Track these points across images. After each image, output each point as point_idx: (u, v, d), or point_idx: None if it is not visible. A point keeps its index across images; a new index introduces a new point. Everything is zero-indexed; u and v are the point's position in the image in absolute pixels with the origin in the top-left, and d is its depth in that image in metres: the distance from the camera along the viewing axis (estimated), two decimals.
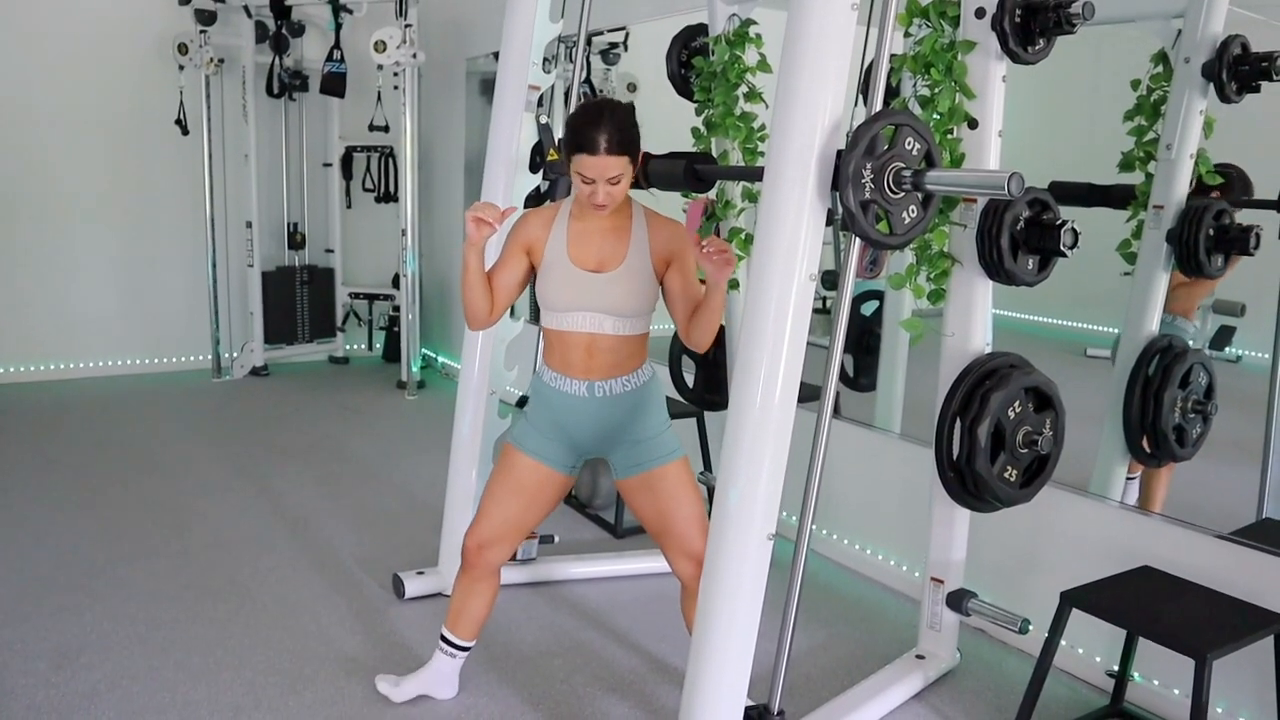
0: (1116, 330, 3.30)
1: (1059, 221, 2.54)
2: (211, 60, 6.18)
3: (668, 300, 2.50)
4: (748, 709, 2.26)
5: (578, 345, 2.48)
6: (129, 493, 4.33)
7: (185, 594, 3.35)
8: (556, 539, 3.64)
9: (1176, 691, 2.75)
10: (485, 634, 3.15)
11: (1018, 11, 2.54)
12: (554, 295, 2.47)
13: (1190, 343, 3.23)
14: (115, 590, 3.36)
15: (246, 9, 6.33)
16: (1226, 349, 3.40)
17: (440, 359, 7.19)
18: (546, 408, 2.56)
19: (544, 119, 3.37)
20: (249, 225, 6.56)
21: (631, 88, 6.06)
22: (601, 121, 2.31)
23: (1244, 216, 3.09)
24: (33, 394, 6.00)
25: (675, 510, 2.51)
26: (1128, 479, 3.24)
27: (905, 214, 2.15)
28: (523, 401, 2.74)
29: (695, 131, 3.73)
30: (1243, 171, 3.17)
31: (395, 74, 6.22)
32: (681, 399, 4.11)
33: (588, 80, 5.47)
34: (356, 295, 7.19)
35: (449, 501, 3.45)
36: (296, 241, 6.98)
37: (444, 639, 2.74)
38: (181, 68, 6.27)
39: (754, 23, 3.54)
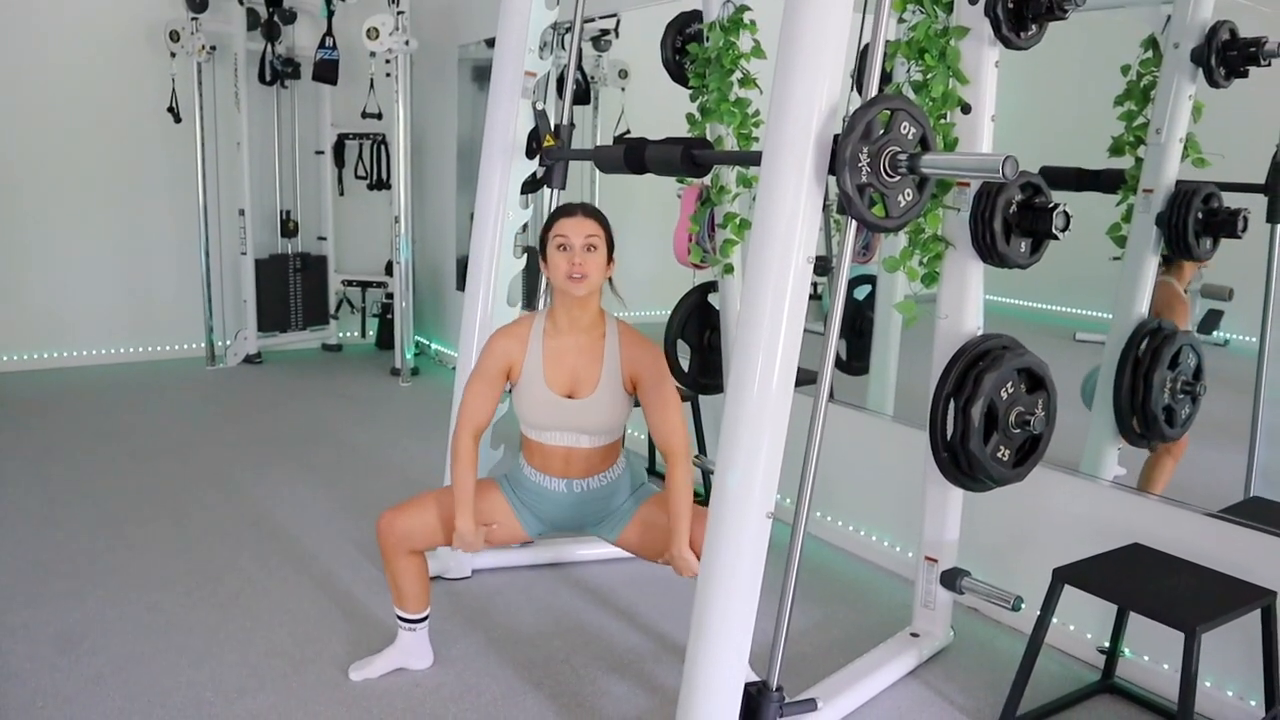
0: (1105, 314, 3.33)
1: (1051, 204, 2.57)
2: (203, 47, 6.15)
3: (642, 407, 2.64)
4: (747, 685, 2.30)
5: (555, 455, 2.67)
6: (126, 480, 4.34)
7: (186, 579, 3.38)
8: None
9: (1166, 666, 2.80)
10: (484, 615, 3.19)
11: None
12: (531, 415, 2.65)
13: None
14: (116, 576, 3.38)
15: None
16: (1214, 333, 3.44)
17: (434, 346, 7.21)
18: (525, 494, 2.75)
19: (540, 105, 3.39)
20: (241, 213, 6.55)
21: (623, 74, 6.07)
22: (580, 203, 2.63)
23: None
24: (25, 383, 6.00)
25: (678, 524, 2.57)
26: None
27: (901, 197, 2.18)
28: None
29: (690, 117, 3.75)
30: None
31: (388, 61, 6.21)
32: (677, 383, 4.14)
33: (580, 67, 5.48)
34: (350, 283, 7.18)
35: (447, 482, 3.48)
36: (289, 229, 6.98)
37: (398, 617, 2.81)
38: (173, 55, 6.25)
39: (748, 8, 3.56)
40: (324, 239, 7.11)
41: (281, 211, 6.98)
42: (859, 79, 2.63)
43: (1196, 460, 3.33)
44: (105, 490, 4.20)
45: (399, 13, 6.03)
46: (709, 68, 3.64)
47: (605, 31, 5.89)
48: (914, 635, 3.00)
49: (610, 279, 2.65)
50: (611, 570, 3.55)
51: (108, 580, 3.35)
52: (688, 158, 2.78)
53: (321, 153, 7.03)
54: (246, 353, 6.70)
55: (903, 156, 2.14)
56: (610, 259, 2.60)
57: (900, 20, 2.86)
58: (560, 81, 3.74)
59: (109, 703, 2.62)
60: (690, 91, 3.77)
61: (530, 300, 2.65)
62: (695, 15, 3.77)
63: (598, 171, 5.76)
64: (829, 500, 3.87)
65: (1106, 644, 2.86)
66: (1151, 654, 2.84)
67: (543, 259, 2.61)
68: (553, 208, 3.56)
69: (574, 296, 2.56)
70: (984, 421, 2.58)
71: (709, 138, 3.69)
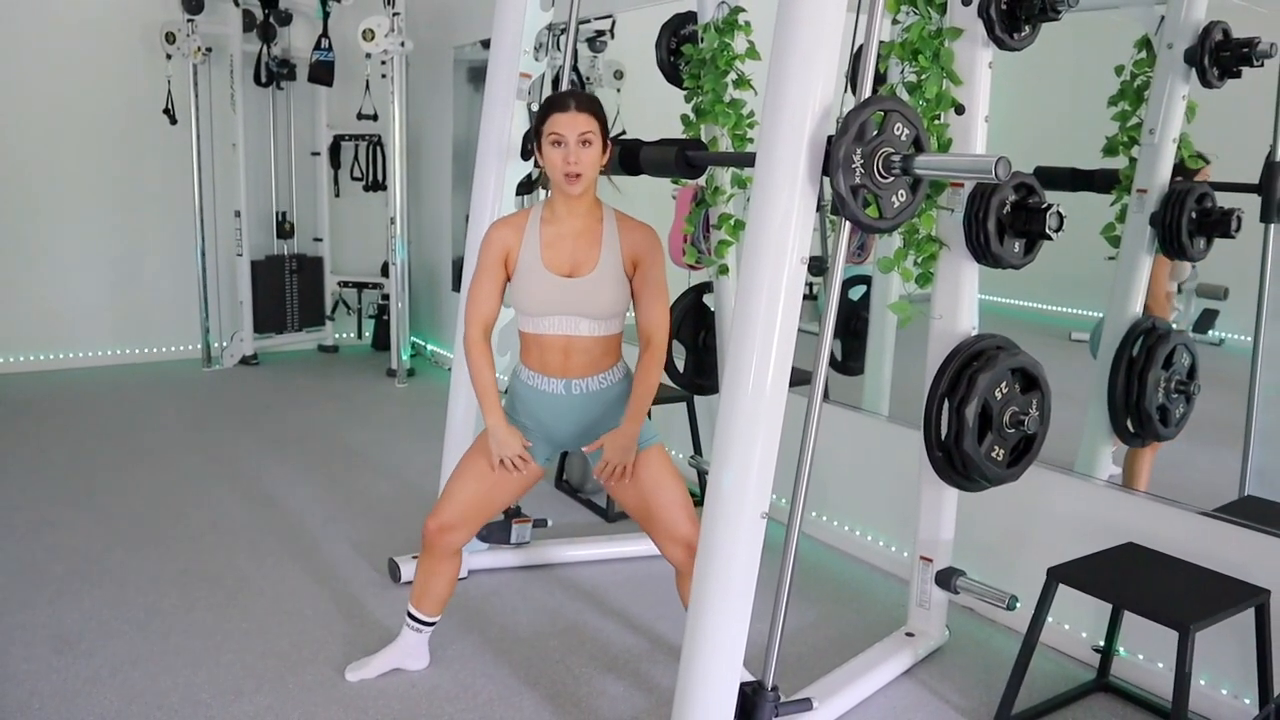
0: (1100, 314, 3.34)
1: (1044, 205, 2.58)
2: (199, 49, 6.16)
3: (634, 294, 2.59)
4: (742, 685, 2.30)
5: (554, 347, 2.56)
6: (122, 482, 4.34)
7: (182, 580, 3.38)
8: (550, 523, 3.68)
9: (1161, 665, 2.81)
10: (481, 616, 3.19)
11: None
12: (530, 301, 2.54)
13: (1173, 325, 3.28)
14: (113, 577, 3.38)
15: None
16: (1209, 332, 3.45)
17: (429, 347, 7.21)
18: (524, 405, 2.64)
19: (535, 106, 3.39)
20: (237, 214, 6.56)
21: (618, 75, 6.07)
22: (571, 92, 2.51)
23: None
24: (22, 385, 6.00)
25: (658, 496, 2.56)
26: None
27: (894, 198, 2.18)
28: None
29: (685, 118, 3.75)
30: None
31: (383, 62, 6.21)
32: (672, 383, 4.15)
33: (575, 68, 5.48)
34: (345, 284, 7.20)
35: (442, 487, 3.48)
36: (285, 230, 6.98)
37: (410, 615, 2.80)
38: (169, 57, 6.26)
39: (742, 10, 3.57)
40: (320, 240, 7.12)
41: (277, 213, 6.99)
42: (853, 80, 2.64)
43: (1191, 459, 3.34)
44: (102, 491, 4.20)
45: (394, 14, 6.03)
46: (704, 69, 3.65)
47: (601, 32, 5.88)
48: (909, 635, 3.00)
49: (605, 167, 2.59)
50: (607, 571, 3.55)
51: (104, 581, 3.35)
52: (682, 159, 2.79)
53: (317, 154, 7.04)
54: (243, 354, 6.70)
55: (896, 158, 2.14)
56: (605, 146, 2.53)
57: (894, 21, 2.87)
58: (555, 83, 3.75)
59: (106, 704, 2.62)
60: (685, 92, 3.77)
61: None
62: (690, 16, 3.78)
63: None
64: (824, 500, 3.88)
65: (1101, 643, 2.87)
66: (1146, 653, 2.85)
67: (538, 150, 2.53)
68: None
69: (572, 193, 2.51)
70: (978, 421, 2.58)
71: (704, 139, 3.69)
